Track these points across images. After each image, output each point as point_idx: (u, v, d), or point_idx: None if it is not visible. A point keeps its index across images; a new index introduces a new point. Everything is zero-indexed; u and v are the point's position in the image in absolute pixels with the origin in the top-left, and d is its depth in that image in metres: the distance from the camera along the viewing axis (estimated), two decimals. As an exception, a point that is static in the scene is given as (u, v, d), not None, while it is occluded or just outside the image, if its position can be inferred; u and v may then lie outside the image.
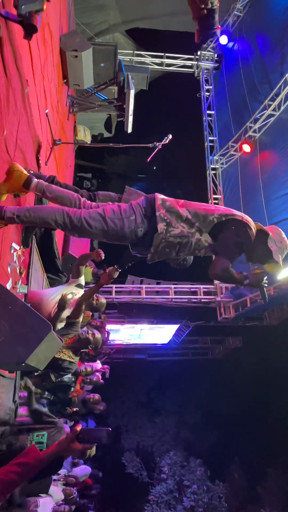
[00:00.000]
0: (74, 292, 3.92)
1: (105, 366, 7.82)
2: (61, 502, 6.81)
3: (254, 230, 2.65)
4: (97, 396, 5.64)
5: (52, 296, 3.88)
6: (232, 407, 16.90)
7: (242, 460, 15.90)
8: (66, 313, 3.81)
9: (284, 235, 2.67)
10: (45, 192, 2.67)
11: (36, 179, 2.66)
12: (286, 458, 14.66)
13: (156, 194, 2.69)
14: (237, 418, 16.64)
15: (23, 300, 3.59)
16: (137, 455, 16.52)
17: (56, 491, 5.86)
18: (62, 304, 3.69)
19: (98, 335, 4.76)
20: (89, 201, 2.78)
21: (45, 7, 1.89)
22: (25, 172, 2.65)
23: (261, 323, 11.91)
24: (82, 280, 4.07)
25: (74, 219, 2.50)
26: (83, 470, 7.21)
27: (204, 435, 17.55)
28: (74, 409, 4.43)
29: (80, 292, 4.01)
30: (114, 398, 17.38)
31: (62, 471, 6.02)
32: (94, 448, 2.81)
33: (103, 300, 4.56)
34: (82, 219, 2.50)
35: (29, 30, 1.96)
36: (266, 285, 2.62)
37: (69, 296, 3.73)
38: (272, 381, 15.87)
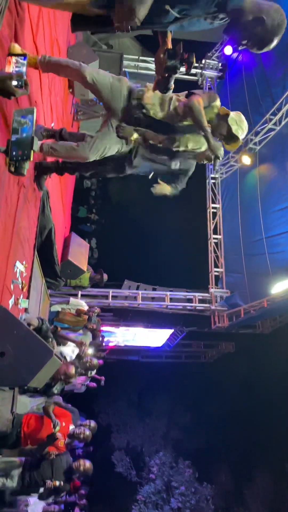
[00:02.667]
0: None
1: (101, 361, 7.91)
2: (51, 501, 6.97)
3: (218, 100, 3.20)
4: (94, 361, 5.45)
5: None
6: (222, 409, 17.10)
7: (230, 462, 16.12)
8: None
9: (243, 118, 3.20)
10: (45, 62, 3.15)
11: None
12: (272, 462, 14.90)
13: None
14: (226, 420, 16.83)
15: (24, 313, 3.74)
16: (127, 454, 16.66)
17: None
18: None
19: (95, 361, 5.17)
20: None
21: (32, 157, 2.01)
22: None
23: (254, 330, 12.10)
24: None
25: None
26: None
27: (194, 437, 17.72)
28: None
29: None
30: (105, 396, 17.53)
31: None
32: None
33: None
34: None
35: (16, 173, 2.07)
36: (220, 158, 3.18)
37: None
38: (261, 386, 16.09)
